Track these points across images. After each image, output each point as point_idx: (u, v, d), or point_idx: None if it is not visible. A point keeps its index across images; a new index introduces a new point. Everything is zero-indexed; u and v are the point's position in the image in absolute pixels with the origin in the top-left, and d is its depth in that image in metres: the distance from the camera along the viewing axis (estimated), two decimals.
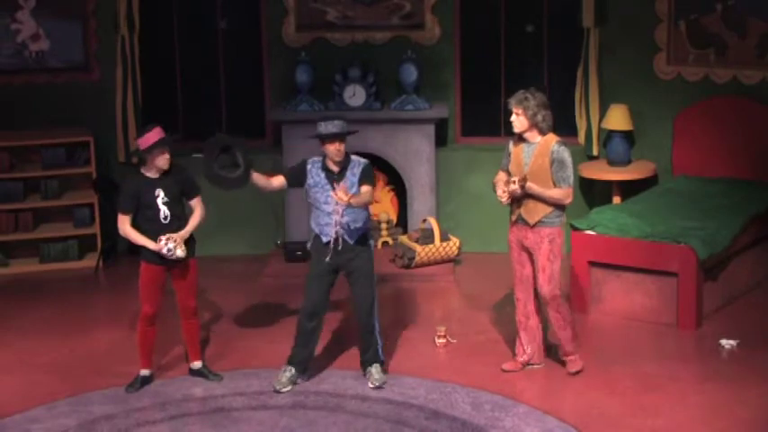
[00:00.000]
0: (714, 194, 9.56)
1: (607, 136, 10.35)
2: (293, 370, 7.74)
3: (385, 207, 10.76)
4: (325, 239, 7.62)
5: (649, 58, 10.33)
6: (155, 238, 7.48)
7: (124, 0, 10.26)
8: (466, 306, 9.39)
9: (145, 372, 7.78)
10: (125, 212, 7.53)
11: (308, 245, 7.83)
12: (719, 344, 8.35)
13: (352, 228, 7.58)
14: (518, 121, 7.58)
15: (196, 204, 7.70)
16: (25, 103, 10.55)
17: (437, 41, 10.63)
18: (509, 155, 7.73)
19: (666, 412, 7.27)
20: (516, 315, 7.94)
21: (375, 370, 7.78)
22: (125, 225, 7.53)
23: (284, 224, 10.63)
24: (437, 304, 9.50)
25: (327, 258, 7.58)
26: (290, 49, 10.65)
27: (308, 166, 7.62)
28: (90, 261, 10.48)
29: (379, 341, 7.85)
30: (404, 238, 10.24)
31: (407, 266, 10.09)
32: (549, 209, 7.59)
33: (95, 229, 10.47)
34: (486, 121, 10.78)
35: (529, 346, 7.93)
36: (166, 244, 7.44)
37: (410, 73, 10.37)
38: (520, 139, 7.65)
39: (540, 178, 7.54)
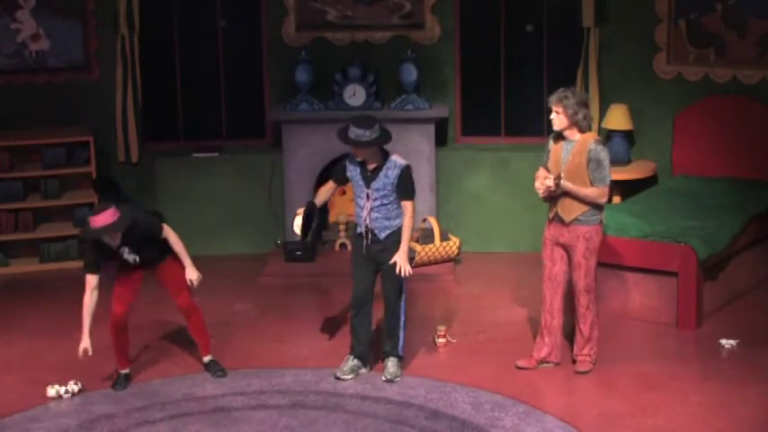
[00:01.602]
0: (714, 194, 9.56)
1: (607, 136, 10.34)
2: (354, 359, 7.84)
3: None
4: (359, 230, 7.74)
5: (649, 57, 10.33)
6: (130, 276, 7.57)
7: None
8: (466, 306, 9.38)
9: (125, 371, 7.82)
10: (90, 273, 7.47)
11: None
12: (719, 343, 8.35)
13: (379, 224, 7.64)
14: (557, 119, 7.57)
15: (167, 235, 7.58)
16: (25, 103, 10.54)
17: (437, 41, 10.63)
18: (549, 152, 7.72)
19: (666, 412, 7.27)
20: (542, 313, 7.94)
21: (391, 363, 7.84)
22: (88, 288, 7.49)
23: (284, 224, 10.62)
24: (437, 304, 9.50)
25: (363, 251, 7.70)
26: (290, 49, 10.64)
27: (347, 161, 7.72)
28: None
29: (401, 336, 7.88)
30: None
31: None
32: (586, 207, 7.59)
33: None
34: (486, 121, 10.78)
35: (546, 345, 7.93)
36: (59, 392, 7.64)
37: (410, 73, 10.37)
38: (559, 136, 7.65)
39: (577, 176, 7.54)
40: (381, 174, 7.59)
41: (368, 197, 7.61)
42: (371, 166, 7.60)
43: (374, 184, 7.58)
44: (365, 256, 7.73)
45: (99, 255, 7.47)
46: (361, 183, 7.63)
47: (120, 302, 7.63)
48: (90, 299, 7.50)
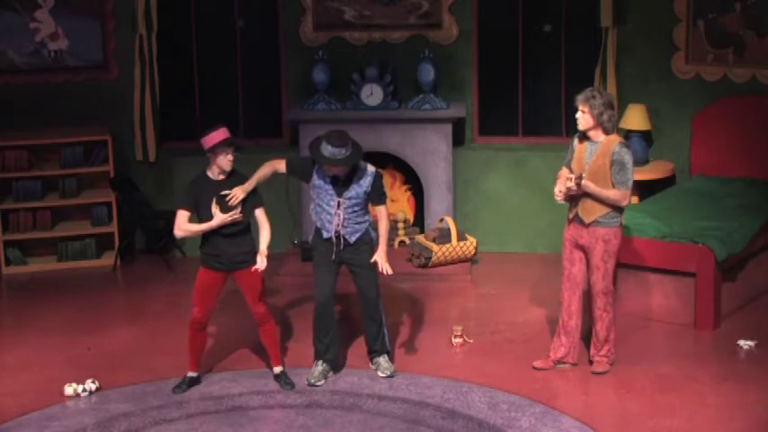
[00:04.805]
0: (732, 194, 9.53)
1: (625, 136, 10.30)
2: (323, 364, 7.84)
3: (402, 206, 10.76)
4: (326, 235, 7.69)
5: (668, 57, 10.29)
6: (209, 242, 7.49)
7: None
8: (482, 306, 9.38)
9: (192, 373, 7.77)
10: (182, 208, 7.47)
11: (310, 237, 7.86)
12: (737, 344, 8.32)
13: (350, 229, 7.65)
14: (583, 119, 7.55)
15: (261, 216, 7.58)
16: (44, 102, 10.58)
17: (455, 41, 10.62)
18: (572, 151, 7.71)
19: (683, 413, 7.25)
20: (560, 313, 7.92)
21: (384, 360, 7.91)
22: (182, 221, 7.45)
23: (301, 223, 10.63)
24: (454, 304, 9.49)
25: (332, 257, 7.66)
26: (307, 49, 10.65)
27: (315, 167, 7.64)
28: (107, 260, 10.51)
29: (386, 332, 7.96)
30: (421, 238, 10.24)
31: (424, 266, 10.09)
32: (606, 209, 7.57)
33: (113, 227, 10.50)
34: (504, 121, 10.76)
35: (563, 346, 7.92)
36: (77, 390, 7.66)
37: (428, 72, 10.36)
38: (584, 136, 7.64)
39: (600, 178, 7.52)
40: (354, 183, 7.57)
41: (339, 205, 7.58)
42: (343, 176, 7.57)
43: (347, 194, 7.56)
44: (332, 261, 7.69)
45: (192, 196, 7.46)
46: (332, 192, 7.58)
47: (201, 307, 7.58)
48: (187, 224, 7.44)
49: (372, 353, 7.98)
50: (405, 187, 10.81)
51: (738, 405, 7.35)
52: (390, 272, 7.64)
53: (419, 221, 10.75)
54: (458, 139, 10.63)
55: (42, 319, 9.18)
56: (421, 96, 10.39)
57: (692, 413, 7.25)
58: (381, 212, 7.68)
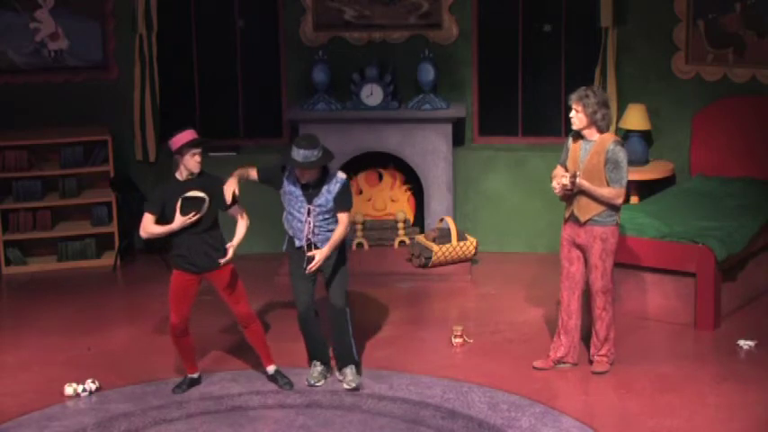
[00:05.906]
0: (732, 194, 9.53)
1: (625, 136, 10.32)
2: (320, 365, 7.82)
3: (402, 206, 10.77)
4: (298, 243, 7.63)
5: (668, 57, 10.29)
6: (180, 242, 7.42)
7: None
8: (482, 306, 9.38)
9: (192, 375, 7.77)
10: (149, 212, 7.40)
11: (284, 246, 7.81)
12: (737, 344, 8.32)
13: (322, 237, 7.58)
14: (577, 118, 7.56)
15: (237, 213, 7.56)
16: (44, 102, 10.58)
17: (455, 41, 10.62)
18: (567, 150, 7.72)
19: (683, 413, 7.25)
20: (560, 313, 7.92)
21: (350, 371, 7.77)
22: (147, 224, 7.39)
23: None
24: (453, 304, 9.49)
25: (305, 267, 7.52)
26: (307, 49, 10.65)
27: (285, 174, 7.60)
28: (108, 260, 10.51)
29: (353, 342, 7.79)
30: (421, 238, 10.24)
31: (424, 266, 10.09)
32: (602, 208, 7.58)
33: (113, 227, 10.50)
34: (504, 121, 10.76)
35: (563, 346, 7.92)
36: (77, 390, 7.65)
37: (427, 72, 10.36)
38: (578, 135, 7.65)
39: (594, 176, 7.53)
40: (324, 190, 7.52)
41: (309, 213, 7.54)
42: (313, 183, 7.52)
43: (316, 201, 7.51)
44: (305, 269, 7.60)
45: (159, 199, 7.39)
46: (302, 199, 7.53)
47: (177, 313, 7.50)
48: (154, 226, 7.38)
49: (338, 362, 7.83)
50: (405, 187, 10.81)
51: (738, 405, 7.35)
52: (309, 271, 7.46)
53: (419, 221, 10.75)
54: (458, 139, 10.63)
55: (42, 319, 9.18)
56: (421, 96, 10.39)
57: (692, 413, 7.25)
58: (342, 219, 7.55)
